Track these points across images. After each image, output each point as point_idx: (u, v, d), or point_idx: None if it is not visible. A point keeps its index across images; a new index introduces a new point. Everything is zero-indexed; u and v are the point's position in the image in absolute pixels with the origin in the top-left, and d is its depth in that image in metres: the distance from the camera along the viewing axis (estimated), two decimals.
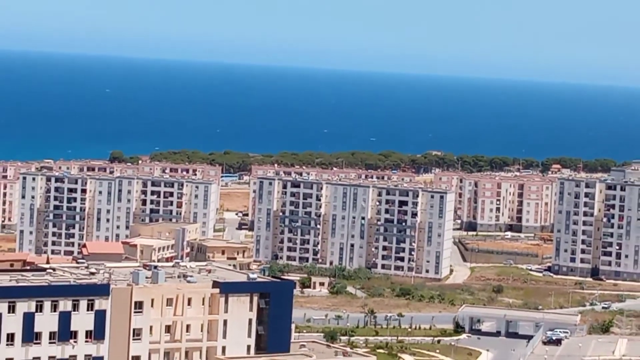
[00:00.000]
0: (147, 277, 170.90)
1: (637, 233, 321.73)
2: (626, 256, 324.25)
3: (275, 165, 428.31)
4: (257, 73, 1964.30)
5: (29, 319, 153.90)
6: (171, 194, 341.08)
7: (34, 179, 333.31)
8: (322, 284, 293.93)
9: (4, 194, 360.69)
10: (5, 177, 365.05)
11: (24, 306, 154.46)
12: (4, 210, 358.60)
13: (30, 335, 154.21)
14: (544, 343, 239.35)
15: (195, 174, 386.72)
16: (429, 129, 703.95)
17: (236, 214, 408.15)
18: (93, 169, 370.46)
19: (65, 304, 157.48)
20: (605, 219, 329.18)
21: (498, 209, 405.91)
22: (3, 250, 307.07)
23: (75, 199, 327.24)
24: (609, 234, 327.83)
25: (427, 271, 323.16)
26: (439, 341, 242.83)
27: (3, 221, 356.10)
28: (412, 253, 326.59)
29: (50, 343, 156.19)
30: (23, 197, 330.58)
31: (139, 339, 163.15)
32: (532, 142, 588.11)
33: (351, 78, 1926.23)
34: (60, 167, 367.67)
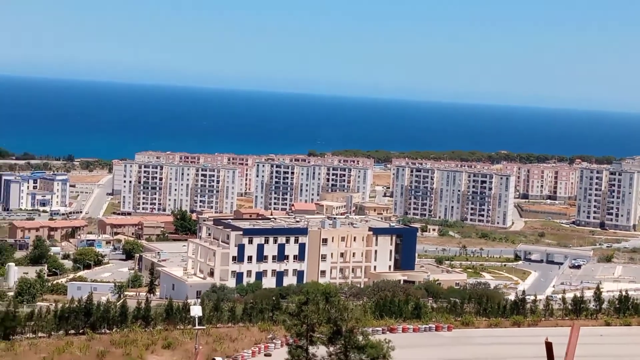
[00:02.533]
0: (329, 224, 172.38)
1: (629, 201, 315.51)
2: (621, 215, 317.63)
3: (406, 158, 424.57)
4: (402, 105, 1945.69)
5: (260, 247, 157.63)
6: (344, 175, 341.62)
7: (263, 165, 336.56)
8: (433, 229, 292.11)
9: (246, 175, 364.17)
10: (247, 164, 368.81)
11: (258, 240, 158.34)
12: (245, 184, 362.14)
13: (261, 257, 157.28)
14: (570, 267, 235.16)
15: (358, 163, 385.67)
16: (498, 137, 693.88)
17: (382, 188, 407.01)
18: (298, 160, 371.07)
19: (281, 239, 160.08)
20: (608, 192, 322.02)
21: (542, 186, 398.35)
22: (245, 207, 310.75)
23: (287, 177, 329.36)
24: (611, 201, 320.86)
25: (497, 223, 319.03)
26: (504, 265, 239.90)
27: (245, 190, 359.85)
28: (489, 212, 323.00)
29: (272, 262, 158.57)
30: (257, 176, 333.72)
31: (324, 260, 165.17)
32: (563, 145, 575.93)
33: (446, 106, 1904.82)
34: (279, 159, 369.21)
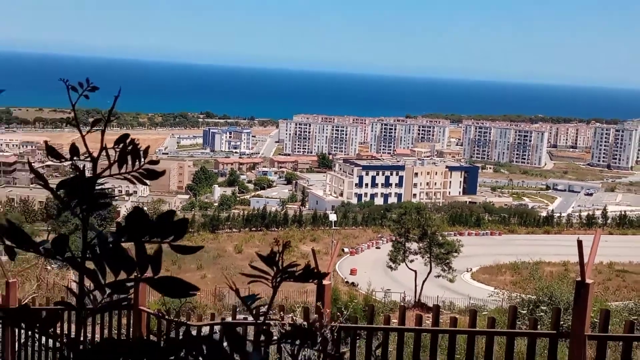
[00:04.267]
0: (419, 163, 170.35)
1: (627, 150, 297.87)
2: (622, 160, 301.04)
3: (472, 119, 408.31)
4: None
5: (373, 177, 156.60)
6: (430, 130, 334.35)
7: (376, 124, 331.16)
8: (490, 167, 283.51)
9: (364, 130, 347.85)
10: (364, 123, 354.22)
11: (372, 173, 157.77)
12: (363, 136, 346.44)
13: (374, 184, 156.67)
14: (585, 195, 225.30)
15: (439, 122, 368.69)
16: (535, 103, 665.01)
17: (455, 139, 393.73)
18: (399, 120, 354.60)
19: (387, 173, 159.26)
20: (614, 144, 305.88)
21: (566, 139, 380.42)
22: (363, 152, 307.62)
23: (392, 132, 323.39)
24: (615, 150, 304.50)
25: (534, 164, 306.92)
26: (539, 192, 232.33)
27: (364, 140, 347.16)
28: (529, 156, 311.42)
29: (381, 187, 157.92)
30: (372, 130, 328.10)
31: (416, 187, 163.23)
32: (583, 111, 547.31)
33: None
34: (386, 119, 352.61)
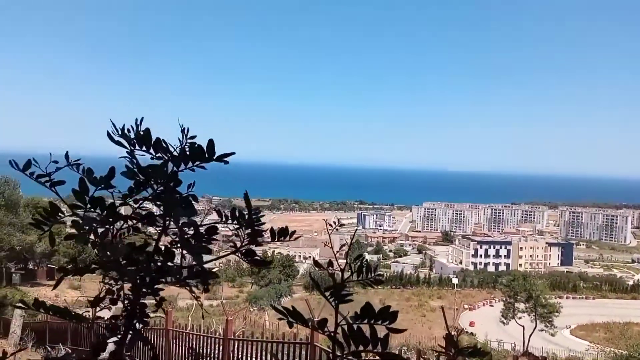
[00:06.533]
0: (524, 239, 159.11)
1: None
2: None
3: (566, 206, 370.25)
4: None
5: (486, 250, 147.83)
6: (532, 214, 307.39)
7: (487, 209, 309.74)
8: (583, 245, 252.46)
9: (478, 213, 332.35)
10: (478, 208, 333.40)
11: (485, 246, 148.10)
12: (476, 218, 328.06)
13: (487, 255, 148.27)
14: None
15: (539, 208, 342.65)
16: (620, 195, 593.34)
17: (553, 221, 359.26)
18: (506, 206, 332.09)
19: (497, 246, 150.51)
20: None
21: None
22: (477, 230, 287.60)
23: (500, 215, 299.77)
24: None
25: (621, 242, 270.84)
26: (626, 264, 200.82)
27: (477, 221, 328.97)
28: (616, 235, 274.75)
29: (492, 258, 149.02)
30: (484, 214, 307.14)
31: (521, 258, 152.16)
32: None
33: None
34: (495, 206, 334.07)
